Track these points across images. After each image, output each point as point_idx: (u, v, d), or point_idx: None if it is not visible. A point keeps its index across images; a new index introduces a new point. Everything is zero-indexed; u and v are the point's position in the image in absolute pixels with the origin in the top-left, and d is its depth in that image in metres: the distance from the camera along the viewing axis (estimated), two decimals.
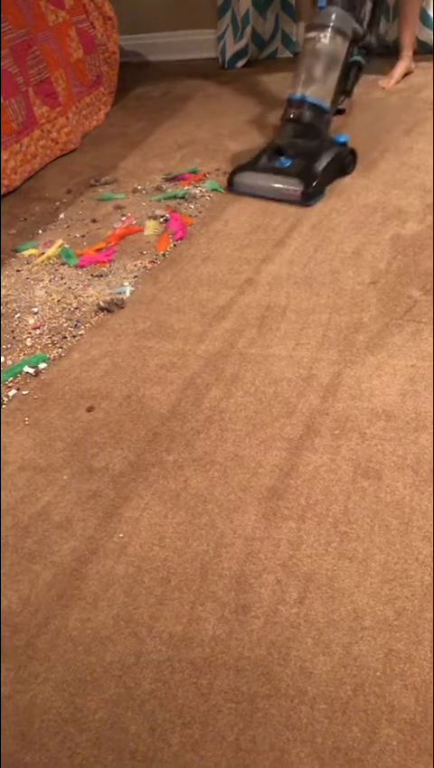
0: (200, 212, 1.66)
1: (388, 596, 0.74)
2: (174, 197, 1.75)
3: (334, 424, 0.98)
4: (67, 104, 2.18)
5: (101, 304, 1.32)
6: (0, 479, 0.97)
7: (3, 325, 1.31)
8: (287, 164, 1.67)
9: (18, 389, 1.14)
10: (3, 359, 1.21)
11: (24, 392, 1.13)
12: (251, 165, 1.73)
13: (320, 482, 0.89)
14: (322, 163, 1.65)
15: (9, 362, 1.20)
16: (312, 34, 1.70)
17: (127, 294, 1.37)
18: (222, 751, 0.63)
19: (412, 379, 1.05)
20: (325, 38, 1.67)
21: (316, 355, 1.12)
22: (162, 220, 1.64)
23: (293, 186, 1.63)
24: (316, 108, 1.68)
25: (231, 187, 1.74)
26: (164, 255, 1.49)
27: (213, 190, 1.77)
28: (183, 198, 1.74)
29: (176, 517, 0.87)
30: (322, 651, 0.70)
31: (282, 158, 1.69)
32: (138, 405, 1.07)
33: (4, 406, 1.11)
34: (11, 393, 1.13)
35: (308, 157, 1.66)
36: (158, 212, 1.67)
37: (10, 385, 1.15)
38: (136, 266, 1.46)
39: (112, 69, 2.51)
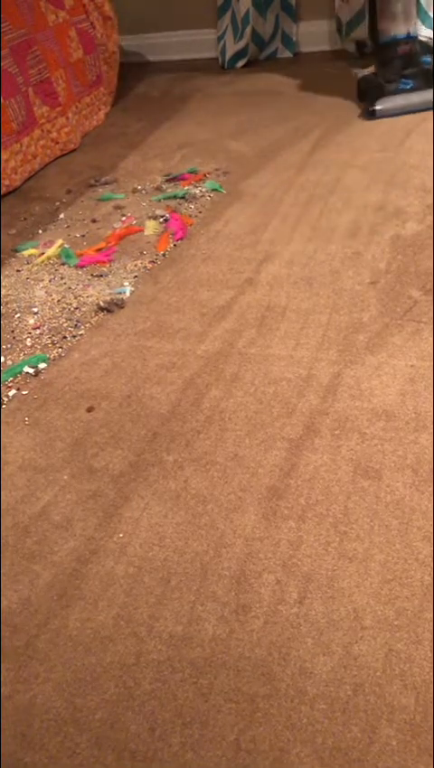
0: (200, 212, 1.66)
1: (388, 596, 0.74)
2: (174, 197, 1.75)
3: (335, 424, 0.98)
4: (67, 104, 2.18)
5: (101, 304, 1.32)
6: (0, 479, 0.97)
7: (3, 325, 1.31)
8: (410, 84, 2.05)
9: (18, 389, 1.14)
10: (3, 359, 1.21)
11: (24, 392, 1.13)
12: (381, 93, 2.05)
13: (320, 482, 0.89)
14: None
15: (9, 362, 1.20)
16: None
17: (127, 294, 1.37)
18: (222, 751, 0.63)
19: (412, 379, 1.05)
20: None
21: (315, 355, 1.12)
22: (162, 220, 1.64)
23: (430, 95, 2.00)
24: (417, 40, 2.06)
25: (373, 115, 2.05)
26: (164, 255, 1.50)
27: (213, 190, 1.77)
28: (183, 198, 1.74)
29: (176, 517, 0.87)
30: (322, 651, 0.70)
31: (401, 81, 2.05)
32: (138, 405, 1.07)
33: (4, 406, 1.11)
34: (11, 393, 1.13)
35: (422, 75, 2.05)
36: (158, 212, 1.67)
37: (10, 385, 1.15)
38: (136, 266, 1.46)
39: (112, 69, 2.51)
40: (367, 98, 2.10)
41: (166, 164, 1.99)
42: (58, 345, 1.24)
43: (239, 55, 2.87)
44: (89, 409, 1.07)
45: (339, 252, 1.41)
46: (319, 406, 1.02)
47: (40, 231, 1.68)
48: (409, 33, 2.04)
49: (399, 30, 2.04)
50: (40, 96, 2.03)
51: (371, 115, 2.04)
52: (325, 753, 0.62)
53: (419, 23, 2.08)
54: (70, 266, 1.49)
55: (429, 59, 2.09)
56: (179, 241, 1.54)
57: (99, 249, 1.54)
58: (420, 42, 2.07)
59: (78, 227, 1.67)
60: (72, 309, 1.34)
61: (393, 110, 2.06)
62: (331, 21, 2.80)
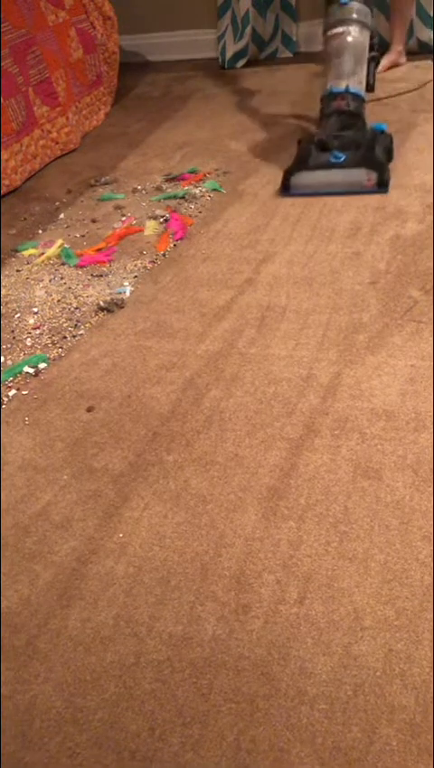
0: (200, 212, 1.66)
1: (388, 596, 0.74)
2: (174, 197, 1.76)
3: (335, 424, 0.98)
4: (67, 104, 2.18)
5: (101, 304, 1.32)
6: (0, 479, 0.97)
7: (3, 325, 1.31)
8: (343, 158, 1.64)
9: (18, 389, 1.14)
10: (3, 359, 1.21)
11: (24, 392, 1.13)
12: (304, 165, 1.68)
13: (320, 482, 0.89)
14: (379, 150, 1.67)
15: (9, 362, 1.20)
16: (339, 29, 1.74)
17: (127, 294, 1.37)
18: (222, 751, 0.63)
19: (412, 379, 1.05)
20: (355, 31, 1.74)
21: (315, 355, 1.12)
22: (162, 220, 1.64)
23: (365, 176, 1.63)
24: (358, 98, 1.72)
25: (288, 191, 1.69)
26: (164, 255, 1.50)
27: (213, 190, 1.77)
28: (183, 198, 1.74)
29: (176, 517, 0.87)
30: (322, 651, 0.70)
31: (334, 153, 1.65)
32: (138, 405, 1.07)
33: (4, 406, 1.11)
34: (11, 393, 1.13)
35: (363, 147, 1.66)
36: (158, 212, 1.67)
37: (10, 385, 1.15)
38: (136, 266, 1.46)
39: (112, 69, 2.51)
40: (293, 167, 1.71)
41: (166, 164, 1.99)
42: (58, 345, 1.24)
43: (239, 55, 2.87)
44: (89, 409, 1.07)
45: (339, 252, 1.41)
46: (319, 406, 1.02)
47: (40, 231, 1.68)
48: (347, 88, 1.71)
49: (338, 83, 1.73)
50: (40, 96, 2.03)
51: (284, 189, 1.70)
52: (325, 754, 0.62)
53: (358, 81, 1.74)
54: (70, 266, 1.49)
55: (383, 126, 1.78)
56: (179, 241, 1.54)
57: (99, 249, 1.54)
58: (359, 99, 1.73)
59: (78, 227, 1.67)
60: (72, 309, 1.34)
61: (311, 188, 1.68)
62: None
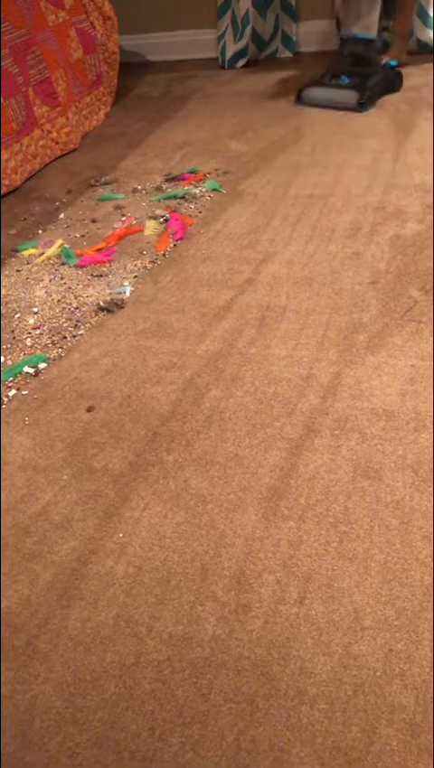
0: (200, 212, 1.66)
1: (388, 596, 0.74)
2: (174, 197, 1.76)
3: (335, 424, 0.98)
4: (67, 104, 2.18)
5: (101, 304, 1.32)
6: (0, 479, 0.97)
7: (3, 325, 1.31)
8: (346, 81, 2.17)
9: (18, 389, 1.14)
10: (3, 359, 1.21)
11: (24, 392, 1.13)
12: (318, 82, 2.23)
13: (320, 482, 0.89)
14: (373, 80, 2.15)
15: (9, 362, 1.20)
16: None
17: (127, 294, 1.37)
18: (222, 751, 0.63)
19: (412, 379, 1.05)
20: None
21: (315, 355, 1.12)
22: (162, 220, 1.64)
23: (349, 96, 2.12)
24: (364, 41, 2.15)
25: (300, 100, 2.25)
26: (164, 255, 1.50)
27: (213, 190, 1.77)
28: (183, 198, 1.74)
29: (176, 517, 0.87)
30: (322, 651, 0.70)
31: (342, 77, 2.19)
32: (138, 405, 1.07)
33: (4, 406, 1.11)
34: (11, 393, 1.13)
35: (364, 76, 2.16)
36: (158, 212, 1.67)
37: (10, 385, 1.15)
38: (136, 266, 1.46)
39: (112, 69, 2.51)
40: (309, 83, 2.25)
41: (166, 164, 1.99)
42: (58, 345, 1.24)
43: (239, 55, 2.87)
44: (89, 409, 1.07)
45: (339, 252, 1.41)
46: (319, 406, 1.02)
47: (40, 231, 1.68)
48: (355, 34, 2.16)
49: (354, 29, 2.16)
50: (40, 96, 2.03)
51: (298, 99, 2.24)
52: (325, 754, 0.62)
53: (376, 27, 2.13)
54: (70, 266, 1.49)
55: (394, 62, 2.22)
56: (179, 241, 1.54)
57: (99, 249, 1.54)
58: (370, 44, 2.15)
59: (78, 227, 1.67)
60: (72, 309, 1.34)
61: (315, 100, 2.21)
62: (331, 21, 2.79)
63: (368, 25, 2.14)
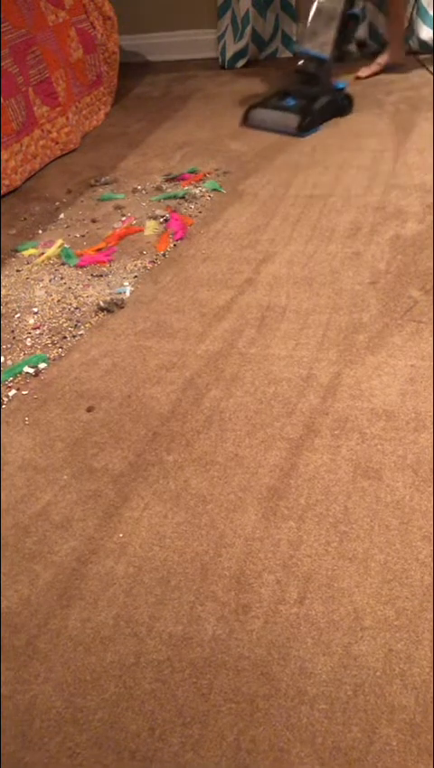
0: (200, 212, 1.66)
1: (388, 596, 0.74)
2: (174, 197, 1.76)
3: (335, 424, 0.98)
4: (67, 104, 2.18)
5: (101, 304, 1.32)
6: (0, 479, 0.97)
7: (3, 325, 1.31)
8: (292, 104, 2.07)
9: (18, 389, 1.14)
10: (3, 359, 1.21)
11: (24, 392, 1.13)
12: (263, 103, 2.14)
13: (320, 482, 0.89)
14: (319, 104, 2.06)
15: (9, 362, 1.20)
16: None
17: (127, 294, 1.37)
18: (222, 751, 0.63)
19: (412, 379, 1.05)
20: None
21: (315, 355, 1.12)
22: (162, 220, 1.64)
23: (291, 120, 2.03)
24: (316, 59, 2.05)
25: (246, 122, 2.16)
26: (164, 255, 1.50)
27: (213, 190, 1.77)
28: (183, 198, 1.74)
29: (176, 517, 0.87)
30: (322, 651, 0.70)
31: (289, 98, 2.09)
32: (138, 405, 1.07)
33: (4, 406, 1.11)
34: (11, 393, 1.13)
35: (309, 98, 2.06)
36: (158, 212, 1.67)
37: (10, 385, 1.15)
38: (136, 266, 1.46)
39: (112, 69, 2.51)
40: (257, 103, 2.16)
41: (166, 164, 1.99)
42: (58, 345, 1.24)
43: (239, 55, 2.87)
44: (89, 409, 1.07)
45: (339, 252, 1.41)
46: (319, 406, 1.02)
47: (40, 231, 1.68)
48: (307, 50, 2.06)
49: (304, 45, 2.08)
50: (40, 96, 2.03)
51: (244, 119, 2.15)
52: (325, 754, 0.62)
53: (324, 46, 2.04)
54: (70, 266, 1.49)
55: (343, 84, 2.14)
56: (179, 241, 1.54)
57: (99, 249, 1.54)
58: (322, 63, 2.04)
59: (78, 227, 1.67)
60: (72, 309, 1.34)
61: (259, 122, 2.11)
62: None
63: (323, 43, 2.04)
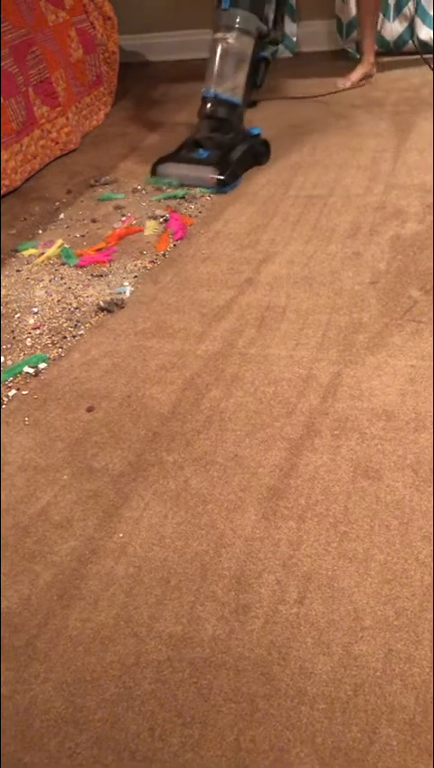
0: (200, 212, 1.66)
1: (388, 596, 0.74)
2: (174, 197, 1.76)
3: (335, 424, 0.98)
4: (67, 104, 2.18)
5: (101, 304, 1.32)
6: (0, 479, 0.97)
7: (3, 325, 1.31)
8: (205, 155, 1.81)
9: (18, 389, 1.14)
10: (3, 359, 1.21)
11: (24, 392, 1.13)
12: (172, 157, 1.87)
13: (320, 482, 0.89)
14: (236, 154, 1.81)
15: (9, 362, 1.20)
16: (219, 35, 1.83)
17: (127, 294, 1.37)
18: (222, 751, 0.63)
19: (412, 379, 1.05)
20: (232, 38, 1.81)
21: (315, 355, 1.12)
22: (162, 220, 1.64)
23: (209, 174, 1.77)
24: (228, 104, 1.82)
25: (154, 176, 1.87)
26: (164, 255, 1.50)
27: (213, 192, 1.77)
28: (183, 198, 1.74)
29: (176, 517, 0.87)
30: (322, 651, 0.70)
31: (200, 150, 1.82)
32: (138, 405, 1.07)
33: (4, 406, 1.11)
34: (11, 393, 1.13)
35: (224, 148, 1.81)
36: (158, 212, 1.67)
37: (10, 385, 1.15)
38: (136, 266, 1.46)
39: (112, 69, 2.51)
40: (165, 156, 1.89)
41: None
42: (58, 345, 1.24)
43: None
44: (89, 409, 1.07)
45: (339, 252, 1.41)
46: (319, 406, 1.02)
47: (40, 231, 1.68)
48: (216, 94, 1.82)
49: (213, 89, 1.83)
50: (40, 96, 2.03)
51: (152, 172, 1.88)
52: (325, 753, 0.62)
53: (233, 87, 1.82)
54: (70, 266, 1.49)
55: (257, 130, 1.91)
56: (179, 241, 1.54)
57: (99, 249, 1.54)
58: (234, 109, 1.84)
59: (78, 227, 1.67)
60: (72, 309, 1.34)
61: (171, 177, 1.85)
62: (331, 21, 2.80)
63: (234, 87, 1.83)
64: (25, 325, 1.30)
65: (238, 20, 1.80)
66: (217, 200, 1.72)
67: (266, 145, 1.92)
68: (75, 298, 1.37)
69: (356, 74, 2.45)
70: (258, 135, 1.90)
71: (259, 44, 1.86)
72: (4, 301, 1.40)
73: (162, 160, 1.88)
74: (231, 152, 1.81)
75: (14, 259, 1.56)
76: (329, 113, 2.23)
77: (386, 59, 2.64)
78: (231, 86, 1.83)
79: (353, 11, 2.63)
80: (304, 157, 1.91)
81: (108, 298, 1.35)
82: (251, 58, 1.84)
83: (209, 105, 1.84)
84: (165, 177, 1.86)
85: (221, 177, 1.75)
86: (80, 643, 0.74)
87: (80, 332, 1.27)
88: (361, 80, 2.46)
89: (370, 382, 1.05)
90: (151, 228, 1.60)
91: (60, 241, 1.59)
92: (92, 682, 0.70)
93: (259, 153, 1.89)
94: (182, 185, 1.81)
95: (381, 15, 2.57)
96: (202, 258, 1.46)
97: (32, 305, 1.36)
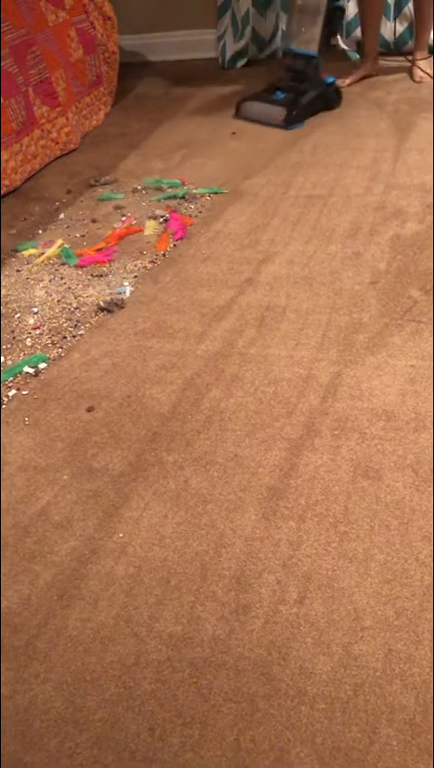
0: (200, 212, 1.66)
1: (388, 596, 0.74)
2: (174, 197, 1.76)
3: (335, 424, 0.98)
4: (67, 104, 2.18)
5: (101, 304, 1.32)
6: (0, 479, 0.97)
7: (3, 325, 1.31)
8: (281, 97, 2.13)
9: (18, 389, 1.14)
10: (3, 359, 1.21)
11: (24, 392, 1.13)
12: (255, 96, 2.20)
13: (320, 482, 0.89)
14: (307, 98, 2.13)
15: (9, 362, 1.20)
16: None
17: (127, 294, 1.37)
18: (222, 751, 0.63)
19: (412, 379, 1.05)
20: None
21: (315, 355, 1.12)
22: (162, 220, 1.64)
23: (278, 113, 2.09)
24: (304, 57, 2.12)
25: (238, 114, 2.22)
26: (164, 255, 1.49)
27: (214, 192, 1.77)
28: (183, 198, 1.74)
29: (176, 517, 0.87)
30: (322, 651, 0.70)
31: (278, 92, 2.15)
32: (138, 405, 1.07)
33: (4, 406, 1.11)
34: (11, 393, 1.13)
35: (298, 93, 2.13)
36: (158, 212, 1.67)
37: (10, 385, 1.15)
38: (136, 266, 1.46)
39: (112, 69, 2.51)
40: (249, 96, 2.21)
41: (166, 164, 1.99)
42: (58, 345, 1.24)
43: (239, 55, 2.87)
44: (89, 409, 1.07)
45: (339, 252, 1.41)
46: (319, 406, 1.02)
47: (40, 231, 1.68)
48: (294, 48, 2.13)
49: (291, 44, 2.14)
50: (40, 96, 2.03)
51: (237, 112, 2.20)
52: (325, 753, 0.62)
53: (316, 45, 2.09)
54: (70, 266, 1.49)
55: (331, 79, 2.19)
56: (179, 241, 1.54)
57: (99, 249, 1.54)
58: (309, 60, 2.11)
59: (78, 227, 1.67)
60: (72, 309, 1.34)
61: (250, 114, 2.17)
62: None
63: (309, 40, 2.11)
64: (25, 325, 1.30)
65: None
66: (217, 200, 1.72)
67: (338, 92, 2.22)
68: (75, 298, 1.37)
69: (357, 75, 2.46)
70: (332, 83, 2.19)
71: None
72: (4, 301, 1.40)
73: (246, 99, 2.19)
74: (303, 96, 2.11)
75: (14, 259, 1.56)
76: (329, 113, 2.23)
77: (387, 59, 2.64)
78: (307, 39, 2.10)
79: (352, 11, 2.63)
80: (304, 157, 1.91)
81: (108, 298, 1.35)
82: (326, 10, 2.05)
83: (289, 58, 2.16)
84: (247, 114, 2.19)
85: (288, 117, 2.06)
86: (80, 643, 0.74)
87: (80, 332, 1.27)
88: (359, 80, 2.47)
89: (370, 382, 1.05)
90: (151, 228, 1.60)
91: (60, 241, 1.59)
92: (92, 682, 0.70)
93: (330, 98, 2.20)
94: (258, 122, 2.14)
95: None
96: (202, 258, 1.46)
97: (32, 305, 1.36)
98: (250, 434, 0.98)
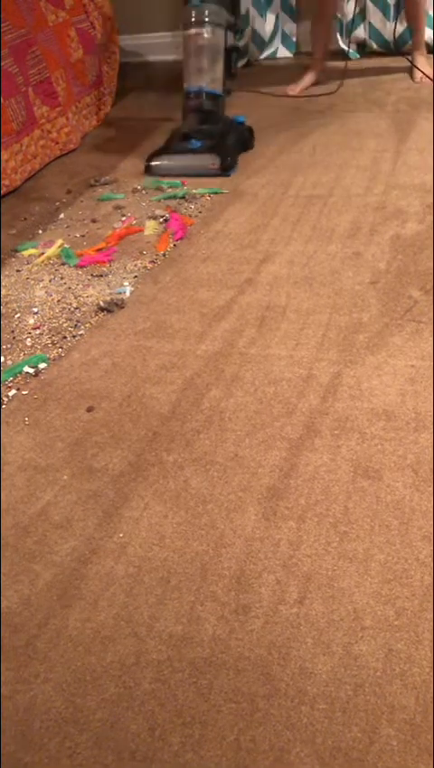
0: (200, 212, 1.67)
1: (388, 596, 0.74)
2: (174, 197, 1.76)
3: (335, 424, 0.98)
4: (67, 104, 2.18)
5: (101, 304, 1.32)
6: (0, 479, 0.97)
7: (3, 325, 1.31)
8: (199, 145, 1.89)
9: (18, 389, 1.14)
10: (3, 359, 1.21)
11: (24, 392, 1.13)
12: (165, 150, 1.94)
13: (320, 482, 0.89)
14: (231, 140, 1.94)
15: (9, 362, 1.20)
16: (193, 31, 1.92)
17: (127, 294, 1.37)
18: (222, 751, 0.63)
19: (412, 379, 1.05)
20: (208, 32, 1.92)
21: (315, 355, 1.12)
22: (162, 220, 1.64)
23: (210, 161, 1.86)
24: (211, 96, 1.94)
25: (150, 171, 1.92)
26: (164, 255, 1.50)
27: (214, 192, 1.77)
28: (183, 198, 1.74)
29: (176, 517, 0.87)
30: (322, 651, 0.70)
31: (192, 140, 1.91)
32: (138, 405, 1.07)
33: (4, 406, 1.11)
34: (11, 393, 1.13)
35: (216, 137, 1.91)
36: (158, 212, 1.67)
37: (10, 385, 1.15)
38: (136, 266, 1.46)
39: (112, 69, 2.51)
40: (157, 151, 1.96)
41: None
42: (58, 345, 1.24)
43: (239, 55, 2.87)
44: (89, 409, 1.07)
45: (339, 252, 1.41)
46: (319, 406, 1.02)
47: (40, 231, 1.68)
48: (200, 88, 1.92)
49: (192, 83, 1.93)
50: (40, 96, 2.03)
51: (147, 170, 1.93)
52: (325, 753, 0.62)
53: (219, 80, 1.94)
54: (70, 266, 1.49)
55: (241, 118, 2.04)
56: (179, 241, 1.54)
57: (99, 249, 1.54)
58: (217, 99, 1.95)
59: (78, 227, 1.67)
60: (72, 309, 1.34)
61: (169, 170, 1.90)
62: (331, 21, 2.79)
63: (213, 80, 1.94)
64: (25, 325, 1.30)
65: (207, 14, 1.89)
66: (217, 200, 1.72)
67: (250, 131, 2.04)
68: (75, 298, 1.37)
69: (305, 80, 2.47)
70: (242, 123, 2.03)
71: (226, 35, 1.96)
72: (4, 301, 1.40)
73: (154, 155, 1.93)
74: (226, 138, 1.91)
75: (14, 259, 1.56)
76: (330, 112, 2.23)
77: (387, 58, 2.64)
78: (212, 78, 1.93)
79: (352, 11, 2.63)
80: (304, 157, 1.91)
81: (108, 298, 1.35)
82: (224, 49, 1.94)
83: (194, 99, 1.93)
84: (161, 172, 1.90)
85: (224, 163, 1.84)
86: (80, 643, 0.74)
87: (79, 332, 1.27)
88: (308, 88, 2.47)
89: (370, 382, 1.05)
90: (151, 228, 1.60)
91: (60, 241, 1.59)
92: (92, 682, 0.70)
93: (246, 139, 2.01)
94: (180, 175, 1.87)
95: (341, 18, 2.56)
96: (202, 258, 1.46)
97: (32, 305, 1.37)
98: (250, 434, 0.98)
